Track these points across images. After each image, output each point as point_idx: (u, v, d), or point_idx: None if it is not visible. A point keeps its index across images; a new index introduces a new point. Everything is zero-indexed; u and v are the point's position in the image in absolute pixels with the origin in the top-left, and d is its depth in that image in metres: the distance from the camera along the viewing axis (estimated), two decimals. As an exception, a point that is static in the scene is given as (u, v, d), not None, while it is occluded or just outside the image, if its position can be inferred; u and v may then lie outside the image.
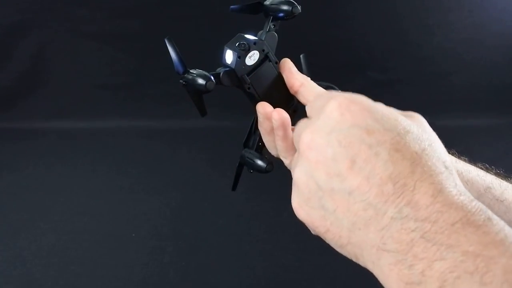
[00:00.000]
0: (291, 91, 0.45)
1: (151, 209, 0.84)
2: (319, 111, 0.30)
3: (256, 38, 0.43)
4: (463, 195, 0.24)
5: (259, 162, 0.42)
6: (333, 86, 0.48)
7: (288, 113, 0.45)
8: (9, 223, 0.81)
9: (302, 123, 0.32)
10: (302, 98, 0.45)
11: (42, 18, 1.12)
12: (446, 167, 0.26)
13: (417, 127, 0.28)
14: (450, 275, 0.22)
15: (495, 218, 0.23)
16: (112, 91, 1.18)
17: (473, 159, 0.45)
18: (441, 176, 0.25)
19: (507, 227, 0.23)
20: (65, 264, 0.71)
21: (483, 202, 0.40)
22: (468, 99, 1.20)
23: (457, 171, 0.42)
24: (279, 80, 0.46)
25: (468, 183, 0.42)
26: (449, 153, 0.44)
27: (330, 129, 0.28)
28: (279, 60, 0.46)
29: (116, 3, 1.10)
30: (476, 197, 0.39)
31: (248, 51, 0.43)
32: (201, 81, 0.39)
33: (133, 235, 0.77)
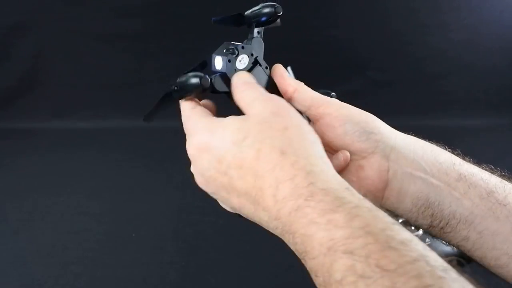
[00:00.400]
0: (285, 98, 0.44)
1: (151, 209, 0.84)
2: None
3: (243, 43, 0.43)
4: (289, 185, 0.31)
5: (192, 80, 0.38)
6: (330, 92, 0.47)
7: None
8: (9, 223, 0.81)
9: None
10: (297, 104, 0.44)
11: (42, 18, 1.12)
12: (282, 153, 0.33)
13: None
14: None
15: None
16: (112, 91, 1.18)
17: (473, 159, 0.44)
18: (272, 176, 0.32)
19: None
20: (65, 264, 0.71)
21: (485, 206, 0.40)
22: (468, 99, 1.20)
23: (460, 174, 0.41)
24: (271, 85, 0.45)
25: (470, 186, 0.41)
26: (453, 153, 0.44)
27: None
28: (270, 66, 0.45)
29: (116, 3, 1.10)
30: (478, 202, 0.40)
31: (237, 55, 0.42)
32: (194, 80, 0.39)
33: (133, 235, 0.77)
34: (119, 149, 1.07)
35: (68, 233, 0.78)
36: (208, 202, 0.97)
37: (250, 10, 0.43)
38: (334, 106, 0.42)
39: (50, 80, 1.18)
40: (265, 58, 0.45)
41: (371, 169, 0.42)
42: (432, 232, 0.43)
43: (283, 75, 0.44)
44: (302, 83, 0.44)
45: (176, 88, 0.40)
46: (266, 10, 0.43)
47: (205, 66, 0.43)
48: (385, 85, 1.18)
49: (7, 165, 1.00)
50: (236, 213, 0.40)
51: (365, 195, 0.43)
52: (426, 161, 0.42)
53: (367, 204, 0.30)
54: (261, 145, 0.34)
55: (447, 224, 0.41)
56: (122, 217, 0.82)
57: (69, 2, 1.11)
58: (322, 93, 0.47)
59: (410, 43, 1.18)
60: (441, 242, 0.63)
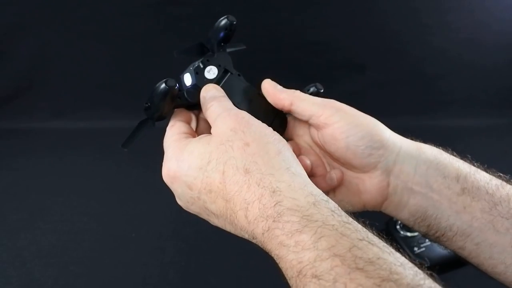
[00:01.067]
0: (284, 111, 0.44)
1: (151, 209, 0.84)
2: None
3: (207, 58, 0.43)
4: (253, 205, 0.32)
5: (160, 86, 0.38)
6: (318, 87, 0.46)
7: (273, 122, 0.43)
8: (9, 223, 0.81)
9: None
10: (298, 116, 0.43)
11: (42, 18, 1.12)
12: (246, 172, 0.33)
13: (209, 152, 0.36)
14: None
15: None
16: (112, 91, 1.18)
17: (473, 159, 0.44)
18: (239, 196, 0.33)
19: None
20: (65, 264, 0.71)
21: (485, 220, 0.40)
22: (468, 99, 1.20)
23: (464, 189, 0.40)
24: (250, 91, 0.44)
25: (473, 200, 0.41)
26: (462, 159, 0.43)
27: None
28: (241, 73, 0.44)
29: (116, 3, 1.10)
30: (478, 216, 0.40)
31: (204, 67, 0.42)
32: (160, 85, 0.39)
33: (133, 235, 0.77)
34: (119, 149, 1.06)
35: (68, 233, 0.78)
36: (208, 202, 0.96)
37: (208, 33, 0.44)
38: (336, 115, 0.40)
39: (50, 80, 1.18)
40: (266, 58, 0.45)
41: (371, 184, 0.42)
42: (428, 238, 0.43)
43: (274, 90, 0.42)
44: (297, 92, 0.43)
45: (147, 104, 0.40)
46: (222, 23, 0.43)
47: (203, 47, 0.43)
48: (385, 85, 1.18)
49: (7, 165, 1.00)
50: None
51: (363, 206, 0.43)
52: (428, 176, 0.41)
53: (335, 220, 0.29)
54: (225, 167, 0.33)
55: (443, 234, 0.41)
56: (122, 217, 0.82)
57: (69, 2, 1.11)
58: (312, 92, 0.46)
59: (410, 43, 1.17)
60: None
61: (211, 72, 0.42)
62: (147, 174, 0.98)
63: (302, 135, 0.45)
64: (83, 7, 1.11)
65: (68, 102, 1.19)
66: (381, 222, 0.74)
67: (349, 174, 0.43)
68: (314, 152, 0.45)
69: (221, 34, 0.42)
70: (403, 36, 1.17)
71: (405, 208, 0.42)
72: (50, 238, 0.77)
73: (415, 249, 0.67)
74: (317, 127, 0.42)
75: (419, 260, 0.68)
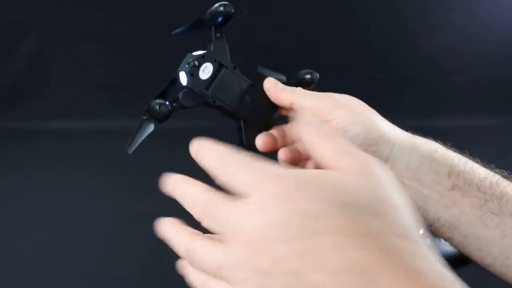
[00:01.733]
0: (286, 109, 0.44)
1: (151, 209, 0.84)
2: None
3: (204, 51, 0.43)
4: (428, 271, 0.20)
5: (154, 107, 0.41)
6: (314, 74, 0.47)
7: (271, 118, 0.44)
8: (9, 223, 0.81)
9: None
10: (300, 114, 0.43)
11: (42, 18, 1.12)
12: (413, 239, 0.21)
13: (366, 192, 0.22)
14: None
15: None
16: (112, 91, 1.18)
17: (474, 160, 0.44)
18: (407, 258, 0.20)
19: None
20: (65, 264, 0.71)
21: (475, 215, 0.41)
22: (468, 99, 1.20)
23: (455, 185, 0.42)
24: (245, 86, 0.44)
25: (464, 196, 0.42)
26: (480, 164, 0.44)
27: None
28: (237, 66, 0.44)
29: (116, 3, 1.10)
30: (468, 211, 0.40)
31: (199, 66, 0.42)
32: (155, 106, 0.40)
33: (133, 235, 0.77)
34: (119, 149, 1.06)
35: (68, 233, 0.78)
36: (208, 202, 0.95)
37: (206, 13, 0.44)
38: (335, 113, 0.41)
39: (50, 80, 1.18)
40: (266, 58, 0.45)
41: None
42: None
43: (275, 90, 0.43)
44: (297, 90, 0.43)
45: (145, 117, 0.41)
46: (220, 9, 0.43)
47: (176, 82, 0.43)
48: (385, 85, 1.18)
49: (7, 165, 1.00)
50: None
51: None
52: (420, 172, 0.42)
53: None
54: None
55: (430, 225, 0.43)
56: (122, 217, 0.82)
57: (69, 2, 1.11)
58: (307, 80, 0.47)
59: (411, 43, 1.17)
60: (442, 241, 0.64)
61: (206, 70, 0.42)
62: (147, 174, 0.98)
63: None
64: (83, 7, 1.11)
65: (68, 102, 1.19)
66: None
67: None
68: None
69: (219, 19, 0.43)
70: (404, 36, 1.17)
71: None
72: (50, 238, 0.77)
73: (415, 249, 0.67)
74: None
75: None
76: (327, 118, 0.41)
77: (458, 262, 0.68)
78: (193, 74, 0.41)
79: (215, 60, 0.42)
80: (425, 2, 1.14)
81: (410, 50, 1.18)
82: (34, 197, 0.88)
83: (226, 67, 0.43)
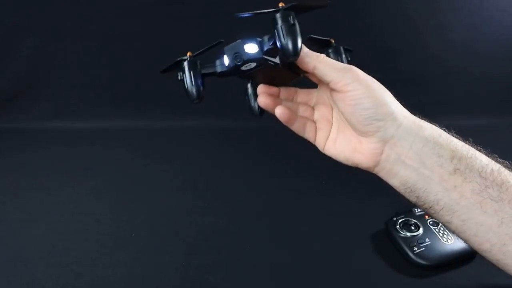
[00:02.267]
0: (309, 73, 0.48)
1: (151, 209, 0.84)
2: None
3: (255, 53, 0.44)
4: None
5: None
6: (330, 40, 0.51)
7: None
8: (9, 223, 0.81)
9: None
10: (320, 78, 0.47)
11: (42, 18, 1.12)
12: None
13: None
14: None
15: None
16: (112, 91, 1.18)
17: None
18: None
19: None
20: (65, 264, 0.71)
21: (474, 200, 0.46)
22: (469, 99, 1.20)
23: (456, 170, 0.46)
24: (279, 70, 0.47)
25: (465, 181, 0.46)
26: (483, 152, 0.47)
27: None
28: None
29: (116, 3, 1.10)
30: (468, 196, 0.45)
31: (243, 64, 0.43)
32: (193, 91, 0.42)
33: (133, 235, 0.77)
34: (119, 149, 1.07)
35: (68, 233, 0.78)
36: (208, 202, 0.97)
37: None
38: (352, 85, 0.45)
39: (50, 80, 1.18)
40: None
41: (367, 147, 0.46)
42: (419, 207, 0.47)
43: (302, 54, 0.46)
44: (321, 57, 0.47)
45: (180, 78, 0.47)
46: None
47: (221, 44, 0.46)
48: (385, 84, 1.18)
49: (7, 165, 1.00)
50: None
51: (356, 164, 0.49)
52: (422, 153, 0.44)
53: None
54: None
55: (430, 207, 0.45)
56: (122, 217, 0.82)
57: (69, 2, 1.11)
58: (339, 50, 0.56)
59: (411, 43, 1.18)
60: (441, 241, 0.64)
61: (248, 66, 0.45)
62: (147, 174, 0.98)
63: (325, 89, 0.52)
64: (82, 7, 1.11)
65: (68, 102, 1.19)
66: (381, 222, 0.74)
67: (352, 133, 0.48)
68: (329, 104, 0.52)
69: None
70: (404, 36, 1.17)
71: (396, 176, 0.45)
72: (50, 238, 0.77)
73: (415, 249, 0.67)
74: (334, 91, 0.46)
75: (419, 260, 0.69)
76: (344, 89, 0.44)
77: (456, 263, 0.68)
78: (234, 66, 0.44)
79: (260, 64, 0.45)
80: (424, 3, 1.14)
81: (410, 50, 1.18)
82: (34, 197, 0.88)
83: (269, 61, 0.45)
